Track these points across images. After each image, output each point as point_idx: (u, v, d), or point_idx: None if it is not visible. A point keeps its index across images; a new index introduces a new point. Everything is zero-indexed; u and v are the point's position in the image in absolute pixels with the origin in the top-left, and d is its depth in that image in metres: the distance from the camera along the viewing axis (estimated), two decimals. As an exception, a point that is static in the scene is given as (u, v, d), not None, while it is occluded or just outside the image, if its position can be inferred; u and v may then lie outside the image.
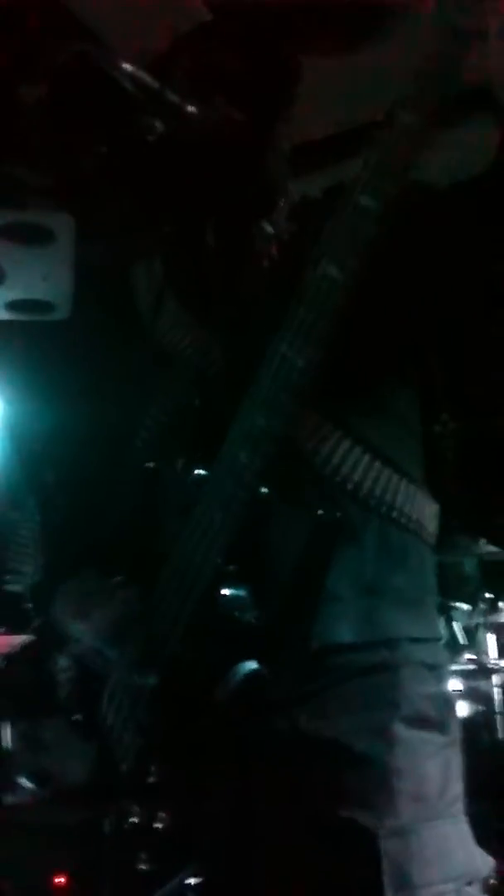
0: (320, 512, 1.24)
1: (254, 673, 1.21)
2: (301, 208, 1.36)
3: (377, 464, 1.29)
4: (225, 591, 1.25)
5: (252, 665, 1.22)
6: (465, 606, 3.97)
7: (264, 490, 1.24)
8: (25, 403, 1.61)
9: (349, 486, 1.28)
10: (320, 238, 1.19)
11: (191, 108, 1.26)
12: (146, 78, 1.27)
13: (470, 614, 3.97)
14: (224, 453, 1.24)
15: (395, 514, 1.31)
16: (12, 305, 3.37)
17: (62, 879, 2.80)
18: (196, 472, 1.28)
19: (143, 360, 1.42)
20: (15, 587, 1.46)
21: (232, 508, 1.23)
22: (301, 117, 1.36)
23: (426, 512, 1.36)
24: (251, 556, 1.25)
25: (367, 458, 1.28)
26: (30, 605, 1.49)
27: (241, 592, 1.25)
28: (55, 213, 2.79)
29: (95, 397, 1.47)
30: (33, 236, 2.92)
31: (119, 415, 1.43)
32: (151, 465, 1.36)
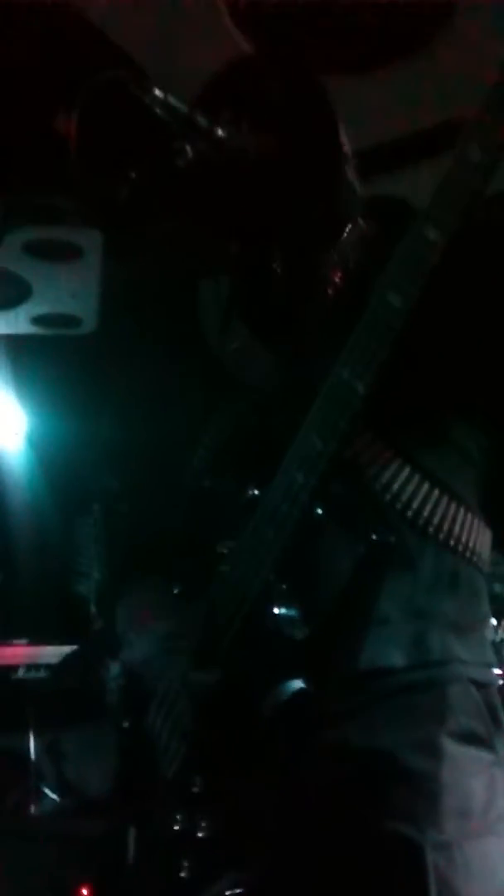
0: (374, 536, 1.26)
1: (299, 691, 1.23)
2: (369, 239, 1.38)
3: (436, 492, 1.30)
4: (275, 609, 1.26)
5: (298, 683, 1.23)
6: (493, 622, 3.94)
7: (319, 511, 1.25)
8: (87, 408, 1.65)
9: (408, 514, 1.29)
10: (385, 267, 1.21)
11: (221, 133, 1.28)
12: (176, 103, 1.29)
13: (497, 629, 3.95)
14: (281, 474, 1.26)
15: (452, 542, 1.32)
16: (40, 320, 3.42)
17: (86, 891, 2.82)
18: (251, 491, 1.30)
19: (206, 378, 1.45)
20: (80, 589, 1.50)
21: (285, 527, 1.25)
22: (360, 126, 1.37)
23: (481, 540, 1.36)
24: (302, 575, 1.27)
25: (426, 486, 1.29)
26: (94, 609, 1.53)
27: (291, 610, 1.26)
28: (84, 229, 2.83)
29: (159, 412, 1.50)
30: (62, 252, 2.96)
31: (182, 430, 1.46)
32: (207, 483, 1.38)
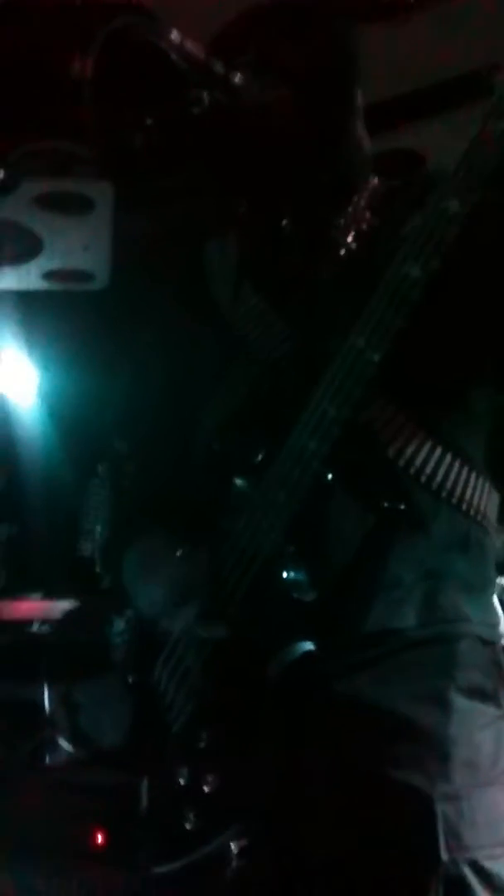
0: (385, 504, 1.27)
1: (306, 655, 1.24)
2: (381, 199, 1.36)
3: (448, 456, 1.30)
4: (284, 571, 1.27)
5: (306, 646, 1.24)
6: (501, 581, 3.96)
7: (330, 476, 1.26)
8: (99, 369, 1.65)
9: (422, 478, 1.29)
10: (404, 235, 1.21)
11: (238, 81, 1.25)
12: (192, 48, 1.26)
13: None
14: (292, 439, 1.26)
15: (464, 505, 1.32)
16: (52, 275, 3.39)
17: (100, 837, 2.88)
18: (259, 455, 1.30)
19: (218, 341, 1.44)
20: (86, 548, 1.51)
21: (296, 491, 1.26)
22: (375, 79, 1.35)
23: (491, 502, 1.37)
24: (312, 539, 1.27)
25: (439, 450, 1.30)
26: (99, 567, 1.53)
27: (300, 573, 1.27)
28: (94, 181, 2.78)
29: (171, 373, 1.50)
30: (73, 205, 2.92)
31: (193, 393, 1.46)
32: (217, 445, 1.38)
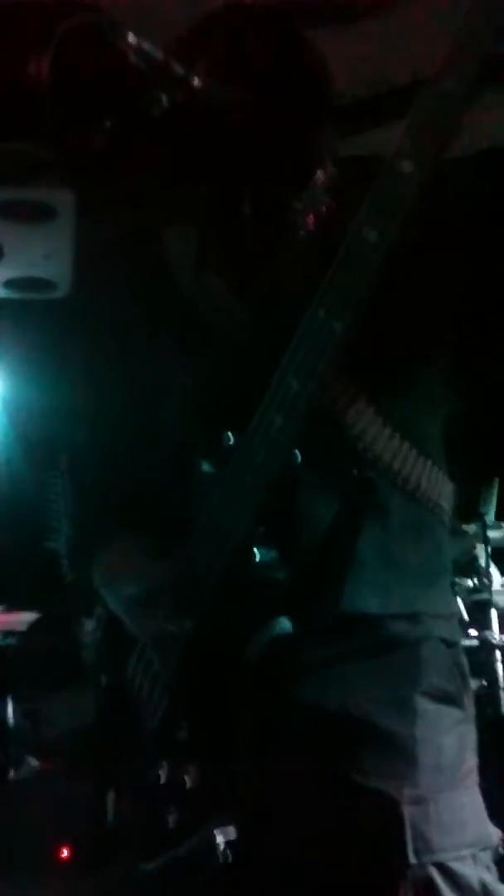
0: (354, 472, 1.25)
1: (284, 631, 1.23)
2: (339, 181, 1.35)
3: (405, 445, 1.30)
4: (255, 552, 1.25)
5: (283, 623, 1.23)
6: (469, 582, 3.98)
7: (297, 454, 1.24)
8: (58, 364, 1.63)
9: (379, 465, 1.29)
10: (361, 203, 1.18)
11: (197, 81, 1.25)
12: (151, 49, 1.26)
13: (473, 590, 3.99)
14: (258, 418, 1.25)
15: (418, 493, 1.32)
16: (12, 283, 3.35)
17: (66, 850, 2.84)
18: (224, 438, 1.29)
19: (180, 327, 1.42)
20: (53, 544, 1.49)
21: (264, 471, 1.24)
22: (345, 79, 1.34)
23: (445, 492, 1.37)
24: (281, 519, 1.26)
25: (396, 438, 1.30)
26: (65, 562, 1.52)
27: (271, 553, 1.26)
28: (57, 189, 2.76)
29: (129, 360, 1.48)
30: (34, 213, 2.90)
31: (153, 378, 1.44)
32: (180, 431, 1.37)
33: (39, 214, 3.04)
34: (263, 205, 1.35)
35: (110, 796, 1.40)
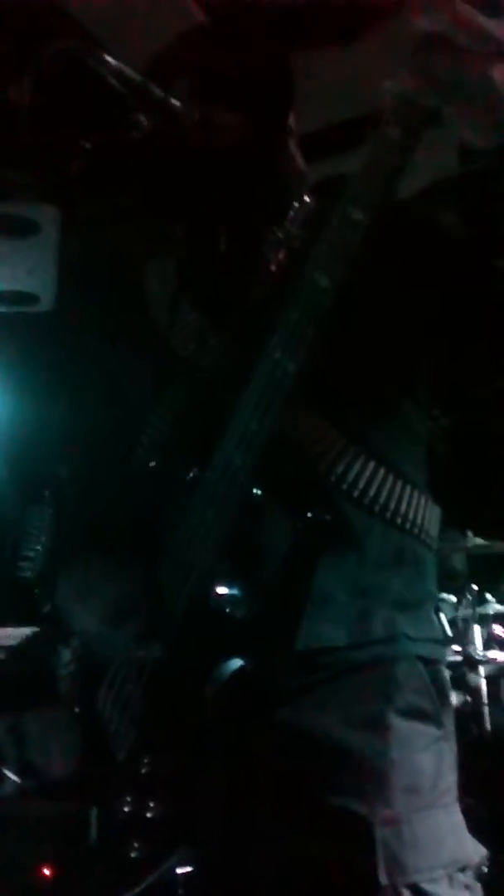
0: (309, 514, 1.26)
1: (240, 670, 1.23)
2: (314, 217, 1.36)
3: (381, 471, 1.31)
4: (218, 588, 1.26)
5: (238, 662, 1.23)
6: (452, 598, 3.99)
7: (258, 491, 1.26)
8: (43, 402, 1.64)
9: (355, 494, 1.30)
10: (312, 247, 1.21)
11: (177, 105, 1.26)
12: (130, 73, 1.27)
13: (457, 606, 4.00)
14: (218, 454, 1.26)
15: (398, 519, 1.33)
16: (-4, 296, 3.34)
17: (48, 871, 2.81)
18: (193, 471, 1.30)
19: (157, 360, 1.44)
20: (26, 573, 1.49)
21: (225, 507, 1.26)
22: (315, 104, 1.37)
23: (429, 516, 1.38)
24: (244, 555, 1.27)
25: (371, 465, 1.30)
26: (37, 591, 1.51)
27: (234, 589, 1.26)
28: (40, 205, 2.78)
29: (108, 396, 1.50)
30: (18, 228, 2.91)
31: (130, 414, 1.46)
32: (153, 464, 1.38)
33: (23, 229, 3.06)
34: (238, 239, 1.37)
35: (93, 816, 1.40)
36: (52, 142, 1.28)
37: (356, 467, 1.29)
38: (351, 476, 1.29)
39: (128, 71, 1.26)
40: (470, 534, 3.96)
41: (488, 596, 4.01)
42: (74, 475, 1.53)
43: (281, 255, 1.35)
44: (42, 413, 1.59)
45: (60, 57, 1.24)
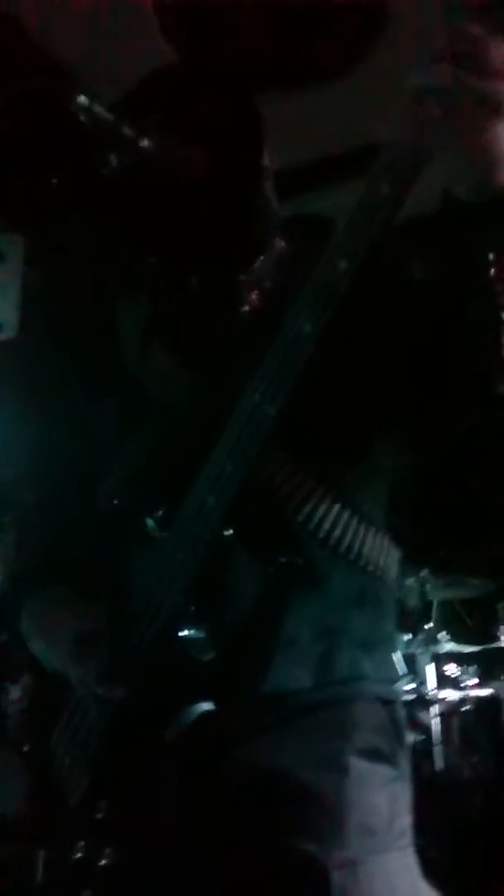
0: (282, 559, 1.27)
1: (203, 715, 1.22)
2: (286, 258, 1.39)
3: (346, 514, 1.32)
4: (183, 630, 1.26)
5: (202, 707, 1.22)
6: (405, 636, 4.00)
7: (228, 533, 1.26)
8: (9, 427, 1.63)
9: (320, 534, 1.30)
10: (298, 294, 1.23)
11: (146, 143, 1.27)
12: (101, 111, 1.27)
13: (410, 644, 4.01)
14: (192, 496, 1.26)
15: (362, 561, 1.33)
16: (-41, 324, 3.31)
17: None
18: (160, 511, 1.30)
19: (127, 396, 1.44)
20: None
21: (195, 549, 1.25)
22: (285, 144, 1.39)
23: (390, 559, 1.39)
24: (210, 597, 1.26)
25: (337, 507, 1.31)
26: None
27: (199, 632, 1.26)
28: (4, 234, 2.77)
29: (75, 429, 1.49)
30: (-18, 257, 2.89)
31: (97, 448, 1.45)
32: (120, 501, 1.37)
33: (-13, 258, 3.03)
34: (211, 278, 1.38)
35: (40, 858, 1.36)
36: (18, 174, 1.28)
37: (322, 509, 1.30)
38: (317, 518, 1.30)
39: (98, 109, 1.27)
40: (424, 574, 3.99)
41: (440, 635, 4.03)
42: (39, 503, 1.52)
43: (254, 296, 1.37)
44: (8, 438, 1.58)
45: (31, 94, 1.25)
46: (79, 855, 1.26)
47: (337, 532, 1.31)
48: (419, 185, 1.17)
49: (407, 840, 1.30)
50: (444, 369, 1.26)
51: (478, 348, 1.22)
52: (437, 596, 4.11)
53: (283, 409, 1.22)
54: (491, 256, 1.15)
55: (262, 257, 1.38)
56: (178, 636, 1.25)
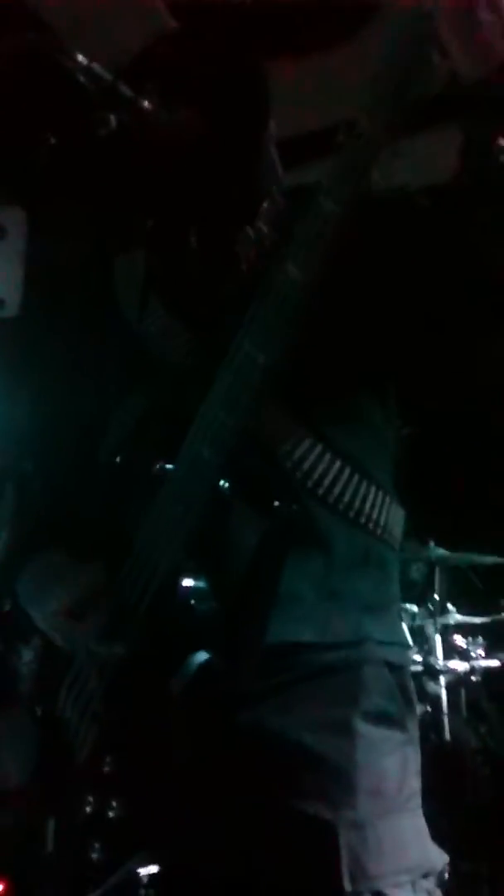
0: (276, 504, 1.25)
1: (206, 665, 1.22)
2: (287, 217, 1.36)
3: (347, 470, 1.30)
4: (185, 583, 1.25)
5: (204, 656, 1.22)
6: (412, 608, 4.00)
7: (226, 485, 1.24)
8: (7, 396, 1.63)
9: (319, 491, 1.29)
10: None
11: (146, 104, 1.25)
12: (100, 70, 1.26)
13: (417, 615, 4.01)
14: (186, 448, 1.25)
15: (363, 519, 1.32)
16: (-40, 301, 3.30)
17: (2, 885, 2.75)
18: (158, 466, 1.29)
19: (124, 356, 1.43)
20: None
21: (193, 502, 1.24)
22: (285, 115, 1.37)
23: (393, 518, 1.38)
24: (212, 550, 1.26)
25: (337, 464, 1.30)
26: None
27: (201, 584, 1.25)
28: (6, 208, 2.75)
29: (73, 391, 1.49)
30: (-17, 233, 2.87)
31: (95, 409, 1.44)
32: (118, 459, 1.37)
33: (-12, 233, 3.01)
34: (208, 235, 1.36)
35: (49, 826, 1.37)
36: (17, 136, 1.27)
37: (321, 466, 1.29)
38: (316, 474, 1.29)
39: (97, 68, 1.26)
40: (432, 545, 3.99)
41: (449, 606, 4.03)
42: (39, 470, 1.51)
43: (252, 254, 1.35)
44: (6, 408, 1.58)
45: (27, 51, 1.24)
46: (88, 810, 1.27)
47: (337, 489, 1.29)
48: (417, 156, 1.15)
49: (416, 803, 1.30)
50: (445, 323, 1.25)
51: (493, 257, 1.18)
52: (444, 564, 4.11)
53: (278, 360, 1.20)
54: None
55: (261, 216, 1.36)
56: (179, 589, 1.25)
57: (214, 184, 1.34)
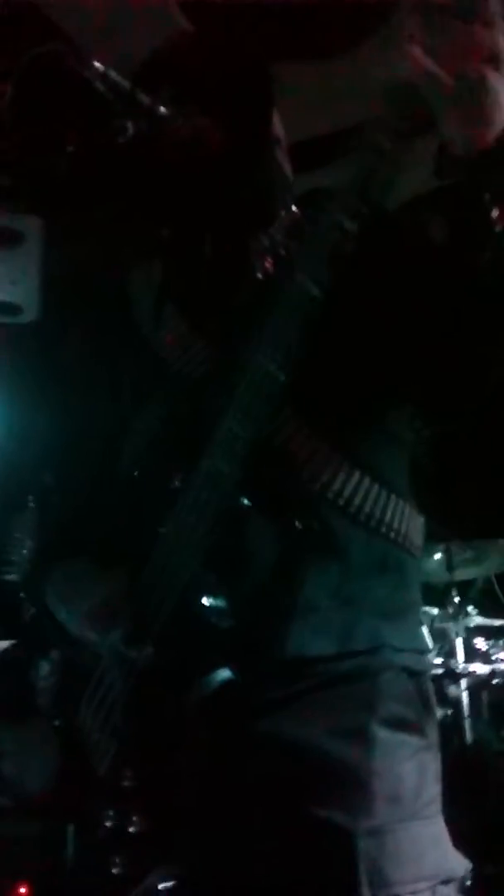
0: (297, 524, 1.26)
1: (225, 682, 1.22)
2: (301, 225, 1.37)
3: (366, 480, 1.30)
4: (203, 599, 1.25)
5: (224, 674, 1.22)
6: (433, 610, 3.99)
7: (244, 499, 1.25)
8: (27, 410, 1.64)
9: (339, 502, 1.29)
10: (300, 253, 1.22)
11: (163, 111, 1.25)
12: (117, 78, 1.26)
13: (438, 618, 4.00)
14: (204, 462, 1.25)
15: (383, 528, 1.32)
16: (-21, 308, 3.32)
17: (24, 889, 2.76)
18: (177, 478, 1.29)
19: (141, 367, 1.43)
20: (10, 576, 1.47)
21: (209, 515, 1.24)
22: (290, 120, 1.38)
23: (413, 525, 1.37)
24: (229, 565, 1.26)
25: (357, 474, 1.30)
26: (22, 594, 1.50)
27: (218, 599, 1.25)
28: (24, 215, 2.77)
29: (91, 404, 1.49)
30: (1, 239, 2.90)
31: (113, 421, 1.45)
32: (137, 471, 1.37)
33: (7, 240, 3.05)
34: (225, 246, 1.37)
35: (70, 834, 1.37)
36: (35, 145, 1.27)
37: (341, 476, 1.29)
38: (336, 485, 1.29)
39: (114, 76, 1.26)
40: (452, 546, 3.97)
41: (469, 608, 4.02)
42: (59, 482, 1.52)
43: (267, 263, 1.35)
44: (26, 421, 1.59)
45: (46, 60, 1.24)
46: (108, 824, 1.27)
47: (357, 500, 1.30)
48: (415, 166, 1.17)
49: (435, 809, 1.30)
50: (459, 335, 1.25)
51: (494, 301, 1.19)
52: (464, 569, 4.10)
53: (295, 373, 1.21)
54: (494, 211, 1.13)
55: (275, 224, 1.37)
56: (197, 603, 1.25)
57: (229, 191, 1.34)
